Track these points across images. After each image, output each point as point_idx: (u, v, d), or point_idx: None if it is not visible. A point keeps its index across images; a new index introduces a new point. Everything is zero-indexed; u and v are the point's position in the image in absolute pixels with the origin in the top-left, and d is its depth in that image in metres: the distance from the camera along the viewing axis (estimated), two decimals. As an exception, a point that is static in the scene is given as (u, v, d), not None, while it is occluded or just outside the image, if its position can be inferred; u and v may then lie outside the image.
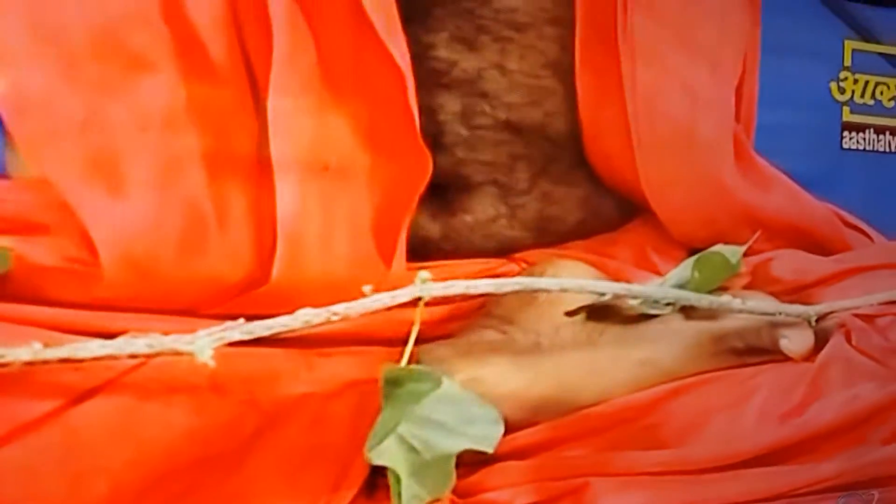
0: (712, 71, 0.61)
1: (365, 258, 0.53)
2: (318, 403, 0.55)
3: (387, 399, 0.54)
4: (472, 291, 0.58)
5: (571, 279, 0.60)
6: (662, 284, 0.64)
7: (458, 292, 0.57)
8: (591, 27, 0.55)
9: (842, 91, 1.25)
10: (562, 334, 0.60)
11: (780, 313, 0.66)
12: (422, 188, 0.53)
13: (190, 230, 0.48)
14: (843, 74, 1.24)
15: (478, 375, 0.58)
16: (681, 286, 0.63)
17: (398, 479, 0.53)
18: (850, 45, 1.28)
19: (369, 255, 0.53)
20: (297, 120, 0.49)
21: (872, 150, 1.23)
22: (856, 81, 1.29)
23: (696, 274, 0.65)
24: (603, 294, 0.60)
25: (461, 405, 0.55)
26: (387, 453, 0.53)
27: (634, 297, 0.61)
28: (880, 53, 1.34)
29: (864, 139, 1.21)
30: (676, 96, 0.59)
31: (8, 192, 0.47)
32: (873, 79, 1.31)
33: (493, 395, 0.59)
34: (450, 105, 0.55)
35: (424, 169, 0.53)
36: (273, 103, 0.49)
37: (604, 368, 0.62)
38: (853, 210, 0.94)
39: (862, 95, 1.32)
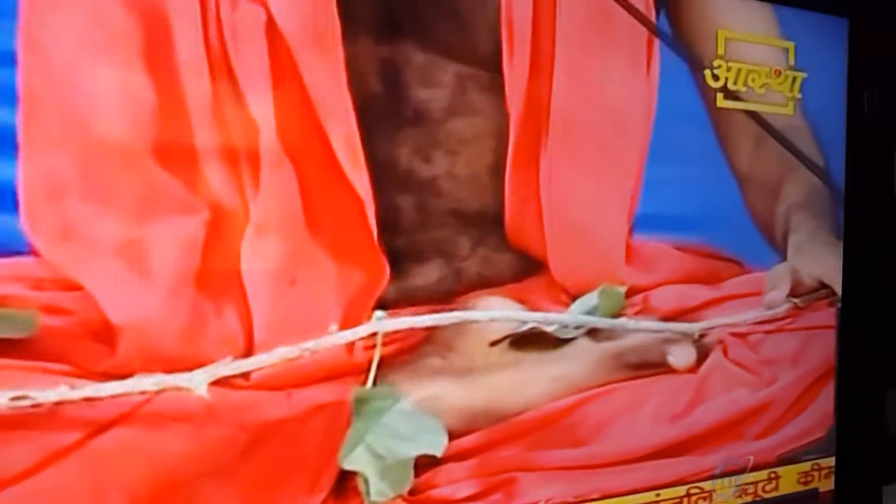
0: (615, 186, 0.77)
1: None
2: (295, 424, 0.67)
3: (356, 415, 0.67)
4: (419, 325, 0.72)
5: (499, 310, 0.74)
6: (571, 313, 0.78)
7: (407, 326, 0.71)
8: (520, 146, 0.71)
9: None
10: (491, 358, 0.74)
11: (667, 330, 0.81)
12: (380, 290, 0.68)
13: (192, 320, 0.61)
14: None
15: (426, 394, 0.71)
16: (587, 314, 0.78)
17: (366, 481, 0.66)
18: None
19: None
20: (270, 243, 0.62)
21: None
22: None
23: (601, 301, 0.79)
24: (525, 322, 0.75)
25: (414, 419, 0.69)
26: (357, 460, 0.66)
27: (551, 324, 0.76)
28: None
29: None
30: (582, 205, 0.74)
31: (39, 269, 0.57)
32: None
33: (438, 409, 0.72)
34: (408, 202, 0.69)
35: (382, 274, 0.67)
36: (250, 231, 0.62)
37: (526, 383, 0.76)
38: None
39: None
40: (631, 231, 0.82)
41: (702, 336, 0.87)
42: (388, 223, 0.71)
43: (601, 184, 0.80)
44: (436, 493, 0.72)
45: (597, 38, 0.79)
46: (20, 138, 0.59)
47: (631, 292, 0.82)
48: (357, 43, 0.69)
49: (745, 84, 1.39)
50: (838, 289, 0.98)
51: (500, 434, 0.74)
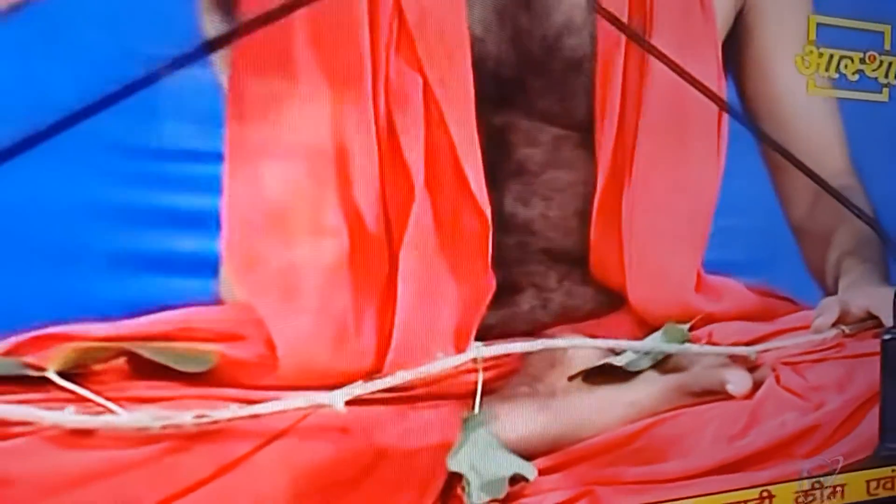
0: (688, 231, 0.88)
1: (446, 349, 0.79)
2: (411, 439, 0.79)
3: (463, 432, 0.79)
4: (512, 351, 0.84)
5: (579, 338, 0.86)
6: (643, 345, 0.90)
7: (503, 352, 0.83)
8: (605, 193, 0.82)
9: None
10: (571, 388, 0.86)
11: (726, 354, 0.92)
12: (486, 303, 0.79)
13: (337, 337, 0.73)
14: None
15: (515, 417, 0.83)
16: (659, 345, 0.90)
17: (468, 483, 0.79)
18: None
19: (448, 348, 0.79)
20: (417, 264, 0.74)
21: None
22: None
23: (667, 336, 0.91)
24: (601, 349, 0.86)
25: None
26: (461, 464, 0.79)
27: (624, 351, 0.87)
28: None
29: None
30: (658, 245, 0.85)
31: (222, 313, 0.70)
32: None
33: (524, 431, 0.84)
34: (508, 240, 0.81)
35: (489, 289, 0.79)
36: (403, 253, 0.74)
37: (602, 410, 0.88)
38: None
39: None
40: (702, 265, 0.92)
41: (756, 366, 0.97)
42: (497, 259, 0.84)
43: (676, 228, 0.90)
44: (526, 501, 0.84)
45: (675, 111, 0.90)
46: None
47: (699, 323, 0.93)
48: (482, 109, 0.81)
49: (836, 70, 1.50)
50: (886, 319, 1.07)
51: (580, 453, 0.86)
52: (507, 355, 0.84)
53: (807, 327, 1.00)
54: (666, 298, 0.90)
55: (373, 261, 0.75)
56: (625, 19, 0.87)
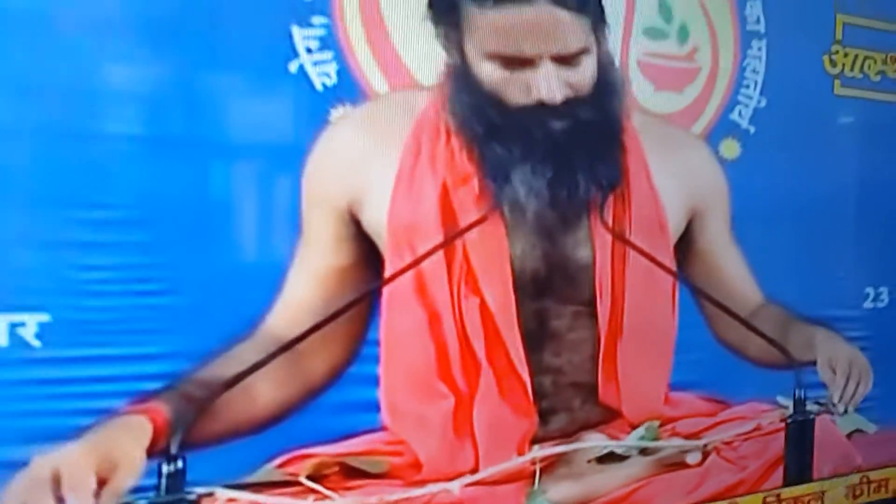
0: (659, 361, 1.41)
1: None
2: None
3: (528, 499, 1.31)
4: (555, 452, 1.35)
5: (597, 440, 1.38)
6: (632, 439, 1.42)
7: (550, 453, 1.35)
8: (607, 347, 1.34)
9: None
10: (590, 468, 1.38)
11: (685, 449, 1.45)
12: (533, 432, 1.30)
13: (452, 454, 1.24)
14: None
15: (559, 489, 1.35)
16: (639, 440, 1.42)
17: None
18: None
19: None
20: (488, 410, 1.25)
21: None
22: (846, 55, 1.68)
23: (646, 432, 1.43)
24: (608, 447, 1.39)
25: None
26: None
27: (622, 447, 1.40)
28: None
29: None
30: (640, 380, 1.39)
31: (387, 437, 1.20)
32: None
33: (564, 496, 1.36)
34: (547, 380, 1.32)
35: (534, 424, 1.30)
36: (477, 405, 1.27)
37: (608, 480, 1.40)
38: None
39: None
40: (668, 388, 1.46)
41: (706, 447, 1.50)
42: (538, 392, 1.35)
43: (650, 366, 1.44)
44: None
45: (645, 286, 1.43)
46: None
47: (665, 422, 1.46)
48: (523, 300, 1.33)
49: (861, 71, 1.70)
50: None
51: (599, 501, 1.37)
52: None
53: (736, 419, 1.54)
54: (646, 411, 1.43)
55: (465, 411, 1.26)
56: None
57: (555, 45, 1.22)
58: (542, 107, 1.25)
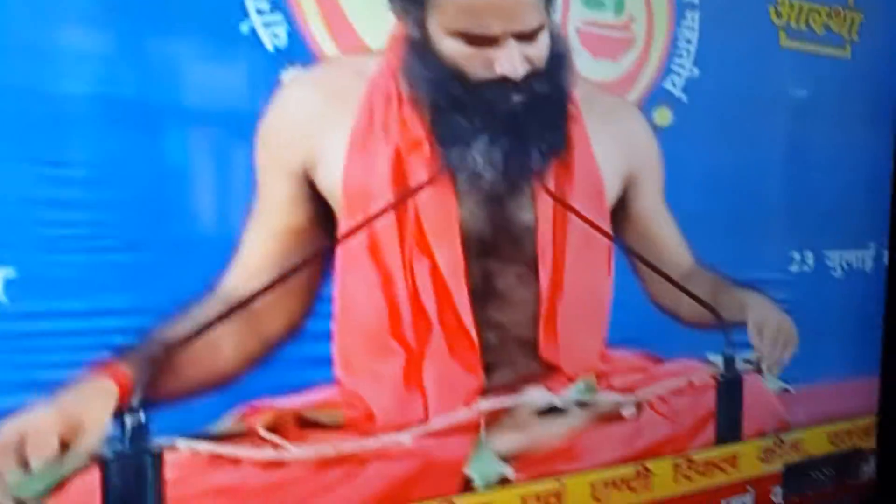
0: (595, 319, 1.49)
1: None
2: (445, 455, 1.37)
3: (473, 450, 1.38)
4: (499, 406, 1.43)
5: (538, 395, 1.46)
6: (570, 393, 1.50)
7: (493, 406, 1.42)
8: (548, 304, 1.43)
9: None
10: (532, 420, 1.45)
11: (620, 399, 1.54)
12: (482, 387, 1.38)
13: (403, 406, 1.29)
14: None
15: (503, 439, 1.42)
16: (579, 394, 1.50)
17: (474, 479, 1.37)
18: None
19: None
20: (438, 367, 1.32)
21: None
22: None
23: (585, 386, 1.51)
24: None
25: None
26: (471, 469, 1.37)
27: (562, 400, 1.48)
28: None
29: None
30: (578, 336, 1.46)
31: (341, 390, 1.25)
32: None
33: (508, 447, 1.43)
34: (493, 336, 1.40)
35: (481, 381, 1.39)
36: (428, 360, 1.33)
37: (549, 431, 1.47)
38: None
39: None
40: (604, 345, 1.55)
41: (640, 401, 1.59)
42: (484, 348, 1.42)
43: (588, 323, 1.52)
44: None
45: (584, 248, 1.50)
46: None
47: (601, 377, 1.55)
48: (471, 261, 1.39)
49: (805, 23, 1.76)
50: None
51: (538, 457, 1.46)
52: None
53: (669, 375, 1.63)
54: (583, 366, 1.51)
55: (416, 367, 1.33)
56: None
57: (518, 23, 1.29)
58: (503, 81, 1.31)
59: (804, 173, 1.78)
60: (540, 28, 1.30)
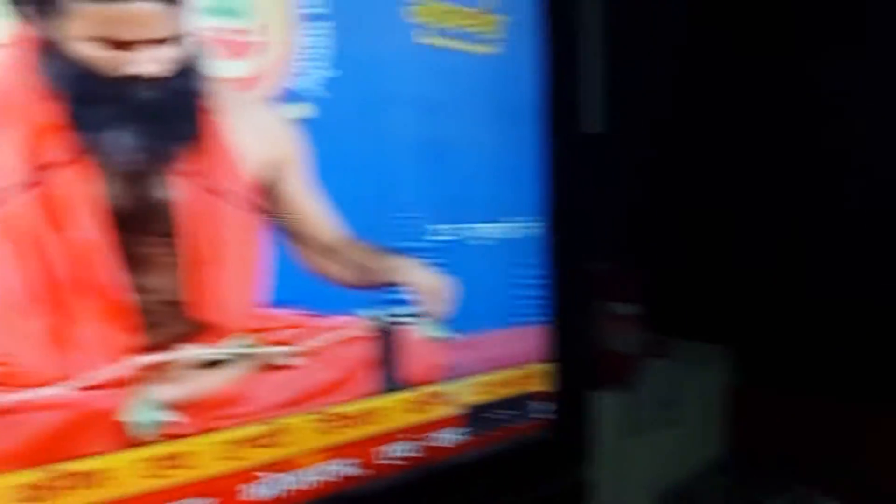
0: (248, 282, 1.75)
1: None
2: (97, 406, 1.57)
3: (136, 398, 1.58)
4: (158, 360, 1.64)
5: (190, 350, 1.68)
6: (226, 347, 1.73)
7: (151, 361, 1.63)
8: (194, 264, 1.67)
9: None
10: (188, 372, 1.67)
11: (279, 354, 1.79)
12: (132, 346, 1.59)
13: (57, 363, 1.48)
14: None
15: (168, 390, 1.63)
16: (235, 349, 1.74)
17: (136, 425, 1.58)
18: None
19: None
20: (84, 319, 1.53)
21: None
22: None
23: (238, 342, 1.75)
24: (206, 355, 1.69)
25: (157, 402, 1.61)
26: (130, 413, 1.57)
27: (222, 354, 1.70)
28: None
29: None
30: (230, 298, 1.72)
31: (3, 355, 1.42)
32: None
33: (174, 396, 1.64)
34: (143, 299, 1.62)
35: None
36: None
37: (213, 382, 1.70)
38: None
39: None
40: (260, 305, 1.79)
41: (298, 352, 1.84)
42: (136, 310, 1.63)
43: (239, 289, 1.76)
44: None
45: (230, 221, 1.74)
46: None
47: (259, 333, 1.78)
48: (114, 232, 1.60)
49: (446, 23, 2.02)
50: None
51: (202, 405, 1.67)
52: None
53: (328, 329, 1.89)
54: (239, 324, 1.74)
55: (65, 328, 1.52)
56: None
57: (148, 31, 1.55)
58: (135, 79, 1.55)
59: (448, 156, 2.10)
60: (172, 37, 1.55)
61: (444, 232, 2.11)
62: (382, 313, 1.96)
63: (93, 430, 1.55)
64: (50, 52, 1.49)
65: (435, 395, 2.10)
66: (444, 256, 2.11)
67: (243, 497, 1.74)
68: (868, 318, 2.85)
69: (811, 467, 3.27)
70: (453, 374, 2.16)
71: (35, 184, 1.49)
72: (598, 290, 2.83)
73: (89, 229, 1.54)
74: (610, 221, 2.90)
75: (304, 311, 1.85)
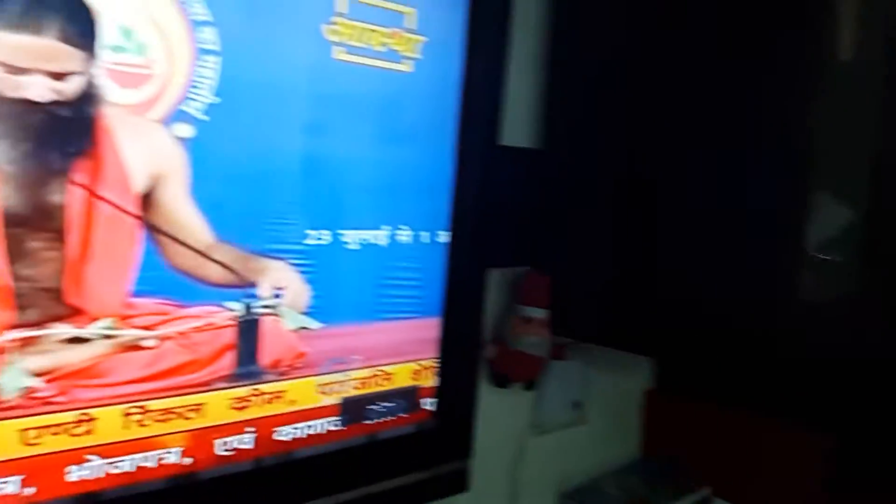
0: (117, 279, 2.07)
1: None
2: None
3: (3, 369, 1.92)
4: (24, 335, 1.97)
5: (58, 328, 2.01)
6: (92, 328, 2.06)
7: (22, 336, 1.96)
8: (76, 259, 1.98)
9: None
10: (58, 346, 2.00)
11: (142, 336, 2.13)
12: (6, 323, 1.92)
13: None
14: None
15: (27, 364, 1.97)
16: (101, 328, 2.07)
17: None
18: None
19: None
20: None
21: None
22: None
23: (104, 324, 2.08)
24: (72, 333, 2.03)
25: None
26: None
27: (86, 332, 2.04)
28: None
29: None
30: (104, 285, 2.04)
31: None
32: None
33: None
34: (22, 285, 1.93)
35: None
36: None
37: (74, 356, 2.03)
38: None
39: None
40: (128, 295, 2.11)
41: (160, 335, 2.18)
42: (15, 294, 1.95)
43: (112, 280, 2.08)
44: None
45: (111, 224, 2.05)
46: None
47: (124, 318, 2.12)
48: (6, 228, 1.91)
49: (363, 41, 2.24)
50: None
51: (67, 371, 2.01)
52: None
53: (190, 317, 2.22)
54: (106, 309, 2.06)
55: None
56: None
57: (49, 65, 1.82)
58: (28, 102, 1.82)
59: (333, 169, 2.40)
60: (72, 72, 1.83)
61: (316, 237, 2.43)
62: (246, 305, 2.28)
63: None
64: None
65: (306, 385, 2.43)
66: (314, 257, 2.42)
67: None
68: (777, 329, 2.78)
69: (713, 471, 3.45)
70: (330, 367, 2.47)
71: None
72: (514, 295, 3.05)
73: (-18, 224, 1.84)
74: (524, 227, 3.04)
75: (169, 302, 2.17)
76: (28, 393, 1.94)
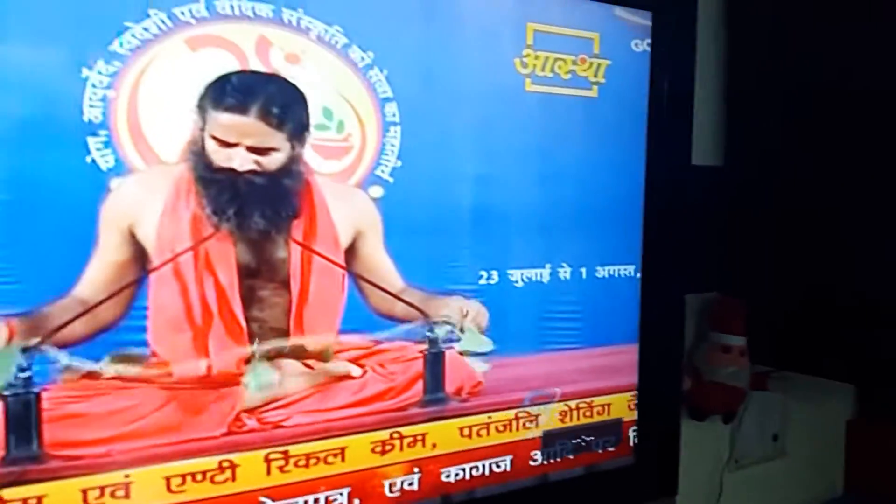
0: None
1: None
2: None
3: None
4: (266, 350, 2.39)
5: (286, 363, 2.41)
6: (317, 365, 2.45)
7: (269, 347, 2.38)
8: (297, 307, 2.40)
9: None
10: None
11: (350, 368, 2.50)
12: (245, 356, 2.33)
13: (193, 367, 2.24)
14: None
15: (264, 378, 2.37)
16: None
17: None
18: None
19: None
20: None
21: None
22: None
23: (323, 354, 2.46)
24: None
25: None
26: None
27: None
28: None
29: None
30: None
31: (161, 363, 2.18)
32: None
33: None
34: (255, 326, 2.33)
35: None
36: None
37: (298, 383, 2.42)
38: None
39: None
40: (338, 333, 2.49)
41: (365, 366, 2.54)
42: (250, 332, 2.37)
43: (327, 320, 2.46)
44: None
45: (325, 274, 2.45)
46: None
47: (336, 352, 2.49)
48: (240, 278, 2.34)
49: (551, 71, 2.31)
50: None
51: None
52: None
53: (386, 350, 2.57)
54: (323, 346, 2.45)
55: (202, 342, 2.27)
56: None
57: (251, 140, 2.22)
58: (232, 171, 2.22)
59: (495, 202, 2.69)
60: (272, 149, 2.25)
61: (483, 276, 2.72)
62: (430, 339, 2.61)
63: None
64: (196, 150, 2.21)
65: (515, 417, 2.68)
66: (482, 296, 2.71)
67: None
68: None
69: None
70: (535, 399, 2.72)
71: (192, 248, 2.24)
72: (707, 322, 2.96)
73: (225, 277, 2.27)
74: (720, 252, 2.93)
75: (371, 337, 2.53)
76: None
